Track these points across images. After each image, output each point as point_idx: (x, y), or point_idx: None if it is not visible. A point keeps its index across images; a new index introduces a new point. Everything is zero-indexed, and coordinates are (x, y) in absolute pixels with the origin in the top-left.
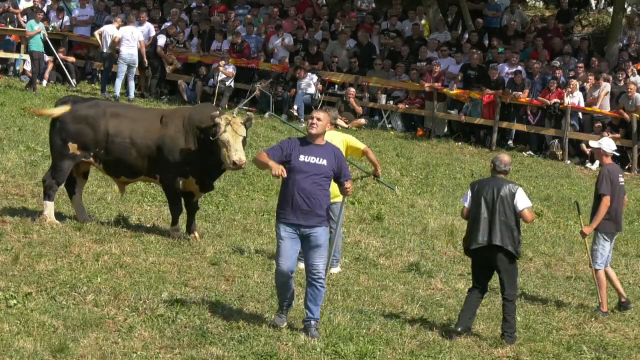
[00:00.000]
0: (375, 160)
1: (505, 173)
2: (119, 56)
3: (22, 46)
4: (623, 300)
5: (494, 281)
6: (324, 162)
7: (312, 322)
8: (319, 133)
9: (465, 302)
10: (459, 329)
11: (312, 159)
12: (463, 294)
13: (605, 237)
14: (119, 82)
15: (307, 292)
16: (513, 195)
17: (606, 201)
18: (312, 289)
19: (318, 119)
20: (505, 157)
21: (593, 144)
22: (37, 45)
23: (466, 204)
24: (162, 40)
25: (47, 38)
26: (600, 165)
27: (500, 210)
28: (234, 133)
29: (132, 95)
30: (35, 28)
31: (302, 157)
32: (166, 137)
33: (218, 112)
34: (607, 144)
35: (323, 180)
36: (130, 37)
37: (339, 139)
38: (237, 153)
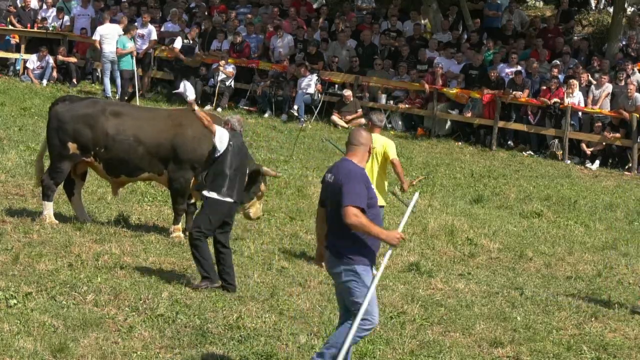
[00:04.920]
0: (401, 175)
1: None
2: (102, 54)
3: (22, 46)
4: None
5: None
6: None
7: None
8: None
9: (205, 251)
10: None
11: (372, 186)
12: (463, 294)
13: None
14: (106, 81)
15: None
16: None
17: None
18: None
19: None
20: (238, 116)
21: None
22: (127, 63)
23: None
24: (178, 43)
25: (134, 56)
26: None
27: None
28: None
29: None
30: (128, 46)
31: (371, 189)
32: (187, 137)
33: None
34: None
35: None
36: (110, 35)
37: (381, 142)
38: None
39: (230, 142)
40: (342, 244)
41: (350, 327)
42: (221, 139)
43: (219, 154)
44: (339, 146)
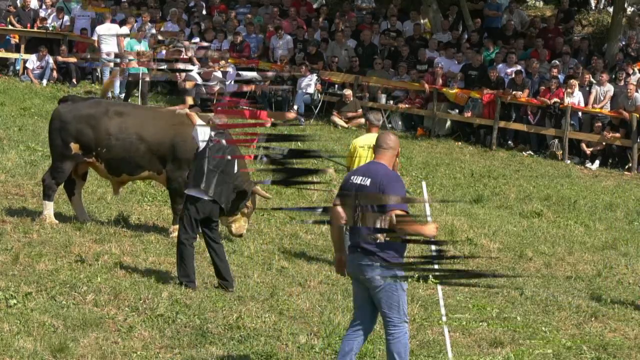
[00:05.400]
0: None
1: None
2: (100, 55)
3: (22, 46)
4: None
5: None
6: None
7: None
8: None
9: (189, 256)
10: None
11: None
12: (463, 294)
13: None
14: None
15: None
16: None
17: None
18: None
19: None
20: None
21: None
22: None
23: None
24: (195, 42)
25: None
26: None
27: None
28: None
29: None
30: (136, 49)
31: None
32: (187, 136)
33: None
34: None
35: None
36: (108, 35)
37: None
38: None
39: (211, 140)
40: (380, 248)
41: (399, 339)
42: (199, 131)
43: (199, 149)
44: (336, 160)
